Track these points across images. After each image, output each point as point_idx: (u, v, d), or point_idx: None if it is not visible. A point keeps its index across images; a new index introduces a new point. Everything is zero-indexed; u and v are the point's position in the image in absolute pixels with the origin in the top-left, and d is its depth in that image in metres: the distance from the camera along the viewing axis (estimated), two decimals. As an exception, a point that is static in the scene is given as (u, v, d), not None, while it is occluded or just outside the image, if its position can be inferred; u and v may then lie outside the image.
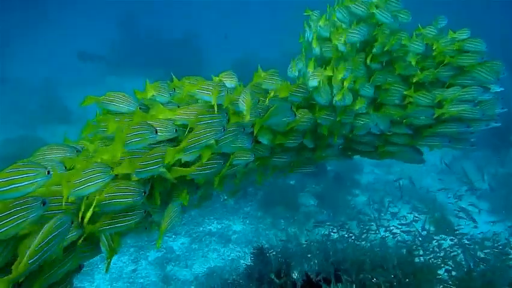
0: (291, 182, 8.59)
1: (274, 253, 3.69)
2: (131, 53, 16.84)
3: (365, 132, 3.43)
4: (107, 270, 2.39)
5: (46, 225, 1.83)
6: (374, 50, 3.39)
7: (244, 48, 16.55)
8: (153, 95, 2.77)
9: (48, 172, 1.88)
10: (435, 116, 3.38)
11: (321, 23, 3.45)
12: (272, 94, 3.00)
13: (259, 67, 3.13)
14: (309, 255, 3.47)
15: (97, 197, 2.13)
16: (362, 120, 3.36)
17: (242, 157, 2.89)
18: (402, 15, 3.46)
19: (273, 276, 3.24)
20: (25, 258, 1.73)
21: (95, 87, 14.64)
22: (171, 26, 18.50)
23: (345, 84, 3.19)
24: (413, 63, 3.38)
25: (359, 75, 3.36)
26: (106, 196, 2.16)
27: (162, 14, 22.27)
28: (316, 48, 3.45)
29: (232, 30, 20.85)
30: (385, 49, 3.37)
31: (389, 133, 3.56)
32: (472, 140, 3.62)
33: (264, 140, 3.04)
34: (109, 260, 2.29)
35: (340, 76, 3.19)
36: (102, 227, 2.21)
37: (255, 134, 2.93)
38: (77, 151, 2.43)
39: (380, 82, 3.44)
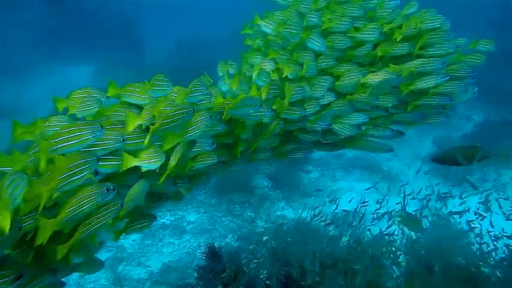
0: (244, 165, 8.41)
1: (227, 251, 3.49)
2: (64, 36, 15.44)
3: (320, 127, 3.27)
4: None
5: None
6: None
7: (193, 28, 15.78)
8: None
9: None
10: (403, 92, 3.25)
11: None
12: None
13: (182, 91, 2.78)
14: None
15: (59, 217, 1.98)
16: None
17: (205, 160, 2.76)
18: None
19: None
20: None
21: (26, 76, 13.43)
22: (109, 5, 17.18)
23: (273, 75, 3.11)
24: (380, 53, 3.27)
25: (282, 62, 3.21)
26: (67, 211, 2.00)
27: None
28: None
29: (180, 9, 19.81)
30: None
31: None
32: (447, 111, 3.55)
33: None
34: None
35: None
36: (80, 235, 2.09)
37: (223, 118, 2.75)
38: None
39: (325, 66, 3.29)
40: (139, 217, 2.61)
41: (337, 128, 3.27)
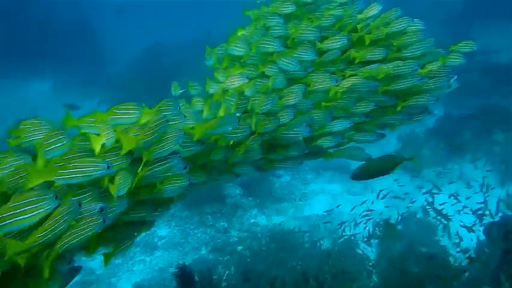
0: (214, 173, 8.27)
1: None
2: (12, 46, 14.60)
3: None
4: None
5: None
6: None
7: (155, 35, 15.41)
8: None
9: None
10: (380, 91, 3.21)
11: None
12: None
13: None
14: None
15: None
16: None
17: (174, 183, 2.58)
18: None
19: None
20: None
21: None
22: (65, 13, 16.47)
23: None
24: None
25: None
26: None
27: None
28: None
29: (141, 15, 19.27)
30: None
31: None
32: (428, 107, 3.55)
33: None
34: None
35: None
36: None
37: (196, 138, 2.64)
38: None
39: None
40: (121, 237, 2.54)
41: (321, 142, 3.22)
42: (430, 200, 6.37)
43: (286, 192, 7.93)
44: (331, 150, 3.43)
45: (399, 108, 3.35)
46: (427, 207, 6.24)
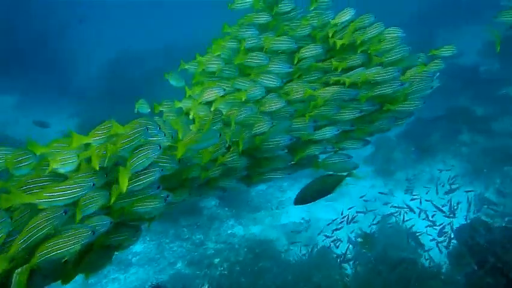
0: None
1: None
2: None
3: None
4: None
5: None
6: None
7: (124, 43, 15.10)
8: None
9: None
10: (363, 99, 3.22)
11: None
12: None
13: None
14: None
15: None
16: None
17: (147, 205, 2.51)
18: None
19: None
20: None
21: None
22: (29, 24, 15.97)
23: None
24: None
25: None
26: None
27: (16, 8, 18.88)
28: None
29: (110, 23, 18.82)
30: None
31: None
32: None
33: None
34: None
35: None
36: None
37: (178, 158, 2.60)
38: None
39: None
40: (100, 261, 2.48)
41: (310, 151, 3.20)
42: (403, 204, 6.49)
43: (263, 201, 7.90)
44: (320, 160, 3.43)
45: (389, 114, 3.38)
46: (401, 210, 6.35)
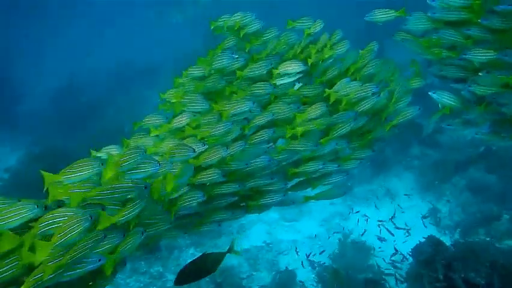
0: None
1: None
2: None
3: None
4: None
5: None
6: None
7: (72, 65, 14.43)
8: None
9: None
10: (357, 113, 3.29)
11: None
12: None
13: None
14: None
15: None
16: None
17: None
18: None
19: None
20: None
21: None
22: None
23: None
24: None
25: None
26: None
27: None
28: None
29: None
30: None
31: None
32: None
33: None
34: None
35: None
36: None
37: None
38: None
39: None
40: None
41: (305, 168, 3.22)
42: (362, 220, 6.58)
43: (224, 226, 7.70)
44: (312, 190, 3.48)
45: (388, 129, 3.47)
46: (360, 228, 6.44)
